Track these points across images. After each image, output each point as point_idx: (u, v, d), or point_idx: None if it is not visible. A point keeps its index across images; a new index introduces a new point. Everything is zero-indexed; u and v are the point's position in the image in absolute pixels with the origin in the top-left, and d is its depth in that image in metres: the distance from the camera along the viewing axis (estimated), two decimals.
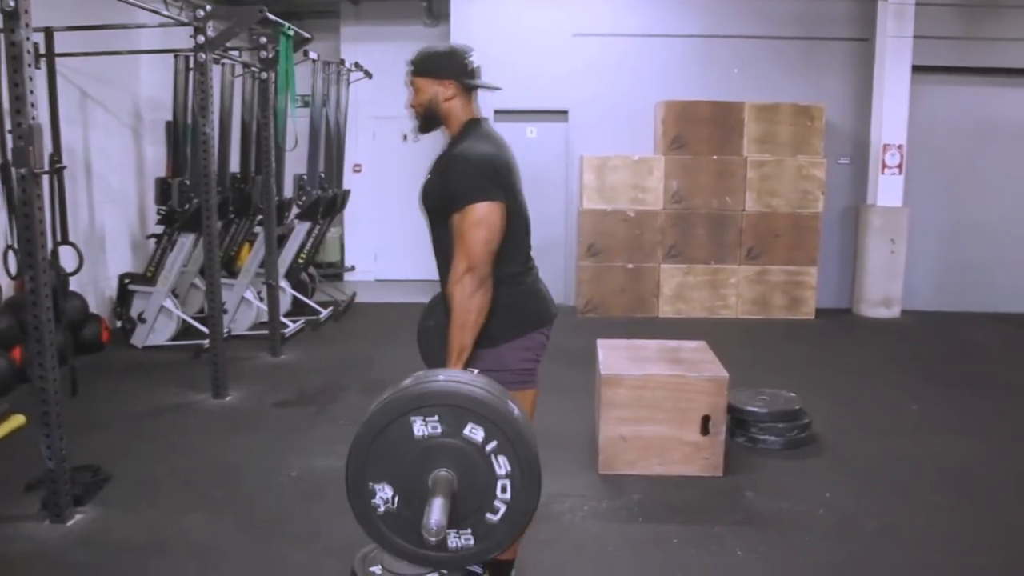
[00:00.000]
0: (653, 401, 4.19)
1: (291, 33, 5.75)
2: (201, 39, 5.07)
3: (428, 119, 2.67)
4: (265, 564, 3.31)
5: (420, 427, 1.88)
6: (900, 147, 8.35)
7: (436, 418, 1.87)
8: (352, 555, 3.18)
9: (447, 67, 2.62)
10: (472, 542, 1.96)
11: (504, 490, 1.89)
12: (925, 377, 6.31)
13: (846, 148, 8.75)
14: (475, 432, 1.87)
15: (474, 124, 2.63)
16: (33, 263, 3.54)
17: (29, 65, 3.44)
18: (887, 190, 8.42)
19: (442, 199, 2.53)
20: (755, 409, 4.72)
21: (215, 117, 7.45)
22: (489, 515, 1.91)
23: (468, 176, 2.47)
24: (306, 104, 8.38)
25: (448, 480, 1.86)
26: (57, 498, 3.65)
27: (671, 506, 3.91)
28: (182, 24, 5.23)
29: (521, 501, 1.90)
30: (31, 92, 3.45)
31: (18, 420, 4.76)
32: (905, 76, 8.26)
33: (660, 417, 4.19)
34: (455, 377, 2.02)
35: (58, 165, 3.24)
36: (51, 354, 3.62)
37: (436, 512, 1.76)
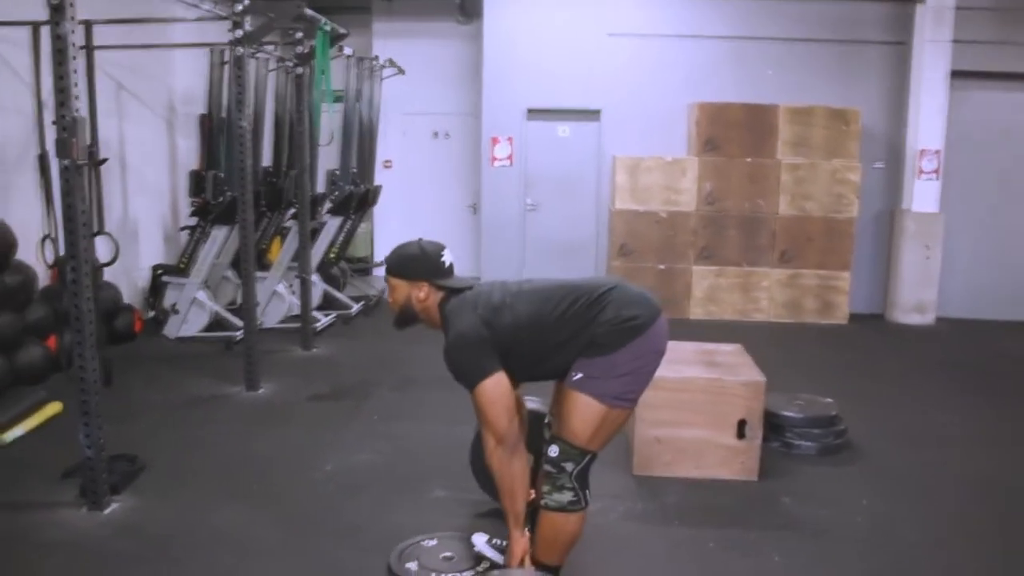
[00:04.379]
0: (690, 404, 4.15)
1: (328, 29, 5.76)
2: (239, 33, 5.09)
3: (404, 316, 2.91)
4: (301, 559, 3.31)
5: None
6: (937, 152, 8.24)
7: None
8: (389, 551, 3.19)
9: (418, 270, 2.83)
10: None
11: None
12: (960, 386, 6.22)
13: (881, 152, 8.65)
14: None
15: (444, 306, 2.81)
16: (75, 253, 3.56)
17: (74, 58, 3.46)
18: (923, 195, 8.32)
19: (459, 381, 2.76)
20: (791, 414, 4.67)
21: (249, 111, 7.53)
22: None
23: (460, 365, 2.70)
24: (340, 100, 8.40)
25: None
26: (95, 486, 3.67)
27: (707, 510, 3.87)
28: (220, 18, 5.24)
29: None
30: (75, 85, 3.47)
31: (55, 407, 4.80)
32: (943, 81, 8.15)
33: (696, 420, 4.16)
34: None
35: (101, 158, 3.25)
36: (91, 343, 3.65)
37: None
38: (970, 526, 3.82)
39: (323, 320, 7.35)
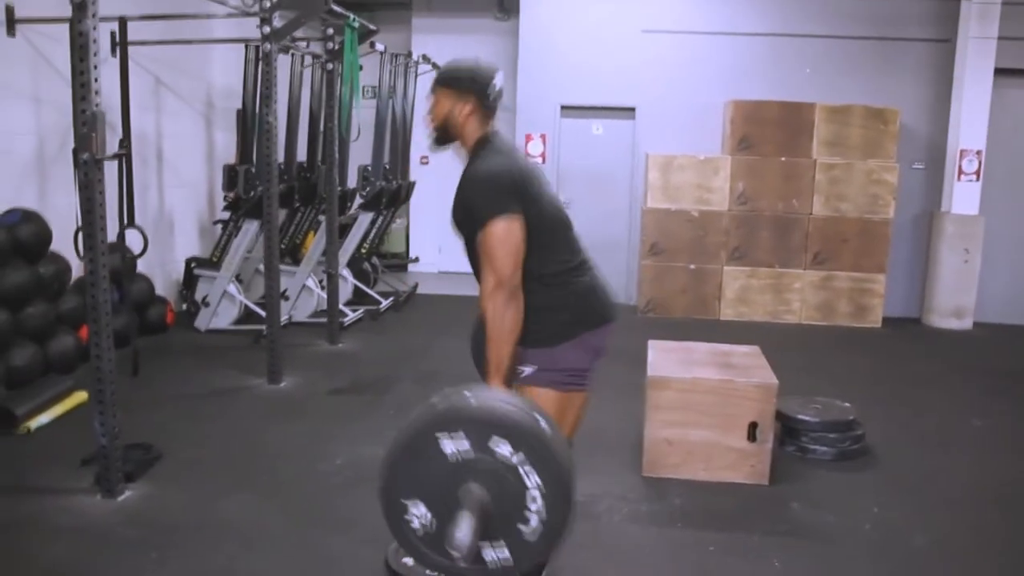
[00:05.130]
0: (700, 405, 4.12)
1: (356, 25, 5.82)
2: (267, 29, 5.17)
3: (443, 132, 2.69)
4: (302, 549, 3.36)
5: (447, 444, 1.89)
6: (979, 153, 8.05)
7: (462, 434, 1.88)
8: (388, 545, 3.22)
9: (469, 83, 2.64)
10: (508, 554, 1.96)
11: (535, 502, 1.89)
12: (993, 392, 6.08)
13: (920, 153, 8.47)
14: (502, 447, 1.87)
15: (487, 140, 2.65)
16: (93, 245, 3.65)
17: (95, 54, 3.55)
18: (963, 197, 8.13)
19: (466, 218, 2.56)
20: (806, 418, 4.60)
21: (283, 106, 7.62)
22: (523, 527, 1.91)
23: (484, 193, 2.51)
24: (375, 95, 8.47)
25: (478, 495, 1.88)
26: (108, 474, 3.76)
27: (712, 512, 3.84)
28: (248, 15, 5.33)
29: (553, 514, 1.90)
30: (95, 80, 3.56)
31: (80, 396, 4.92)
32: (987, 79, 7.95)
33: (706, 422, 4.13)
34: (482, 394, 2.04)
35: (120, 151, 3.33)
36: (108, 334, 3.74)
37: (462, 528, 1.78)
38: (985, 536, 3.74)
39: (351, 315, 7.42)
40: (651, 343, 4.74)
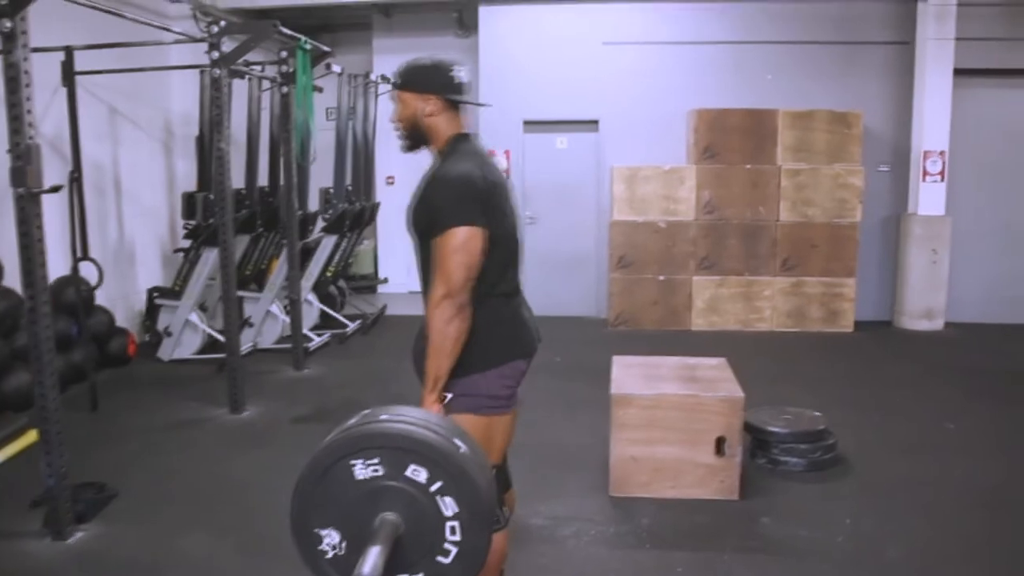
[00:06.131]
0: (665, 421, 4.05)
1: (308, 47, 5.74)
2: (215, 55, 5.08)
3: (411, 135, 2.57)
4: None
5: (361, 470, 1.79)
6: (942, 153, 8.07)
7: (377, 460, 1.78)
8: None
9: (430, 81, 2.52)
10: None
11: (453, 532, 1.79)
12: (966, 393, 6.05)
13: (885, 155, 8.48)
14: (418, 474, 1.77)
15: (459, 141, 2.53)
16: (32, 282, 3.54)
17: (27, 86, 3.45)
18: (928, 198, 8.14)
19: (426, 221, 2.45)
20: (776, 429, 4.53)
21: (242, 131, 7.53)
22: (440, 558, 1.82)
23: (448, 199, 2.39)
24: (336, 117, 8.39)
25: (392, 524, 1.77)
26: (57, 515, 3.65)
27: (681, 531, 3.76)
28: (195, 40, 5.24)
29: (471, 542, 1.80)
30: (28, 112, 3.45)
31: (33, 436, 4.77)
32: (947, 79, 7.98)
33: (673, 438, 4.05)
34: (399, 416, 1.93)
35: (52, 186, 3.21)
36: (51, 371, 3.62)
37: (369, 561, 1.68)
38: (965, 544, 3.68)
39: (316, 340, 7.32)
40: (615, 359, 4.66)
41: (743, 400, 4.03)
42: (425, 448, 1.78)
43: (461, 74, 2.55)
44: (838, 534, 3.74)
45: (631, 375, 4.38)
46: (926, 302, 8.21)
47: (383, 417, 1.86)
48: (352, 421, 1.89)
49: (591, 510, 3.97)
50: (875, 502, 4.10)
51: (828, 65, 8.42)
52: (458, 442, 1.83)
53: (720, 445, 4.03)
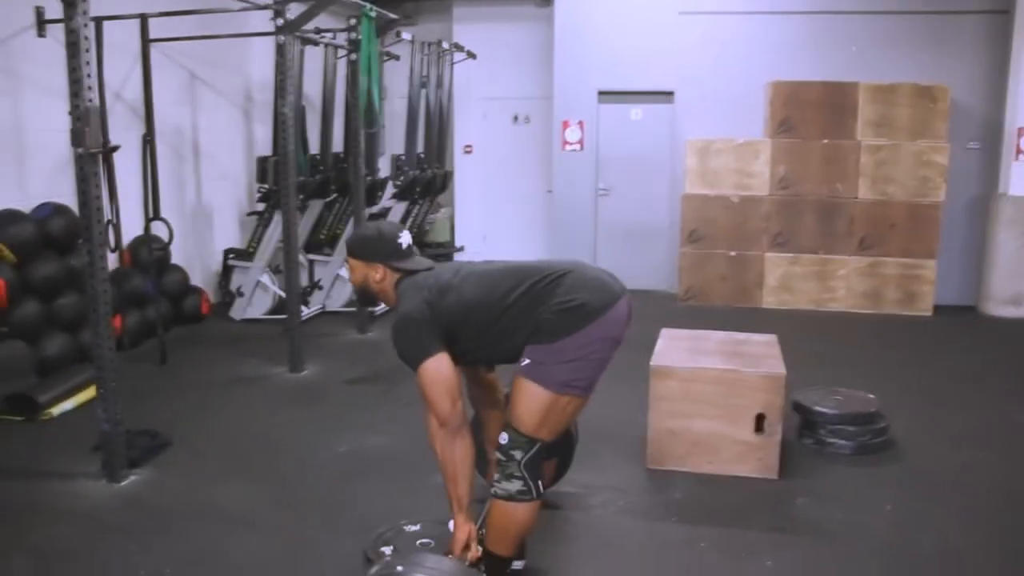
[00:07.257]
0: (703, 396, 4.00)
1: (372, 14, 5.80)
2: (280, 22, 5.19)
3: (363, 294, 2.98)
4: (284, 536, 3.37)
5: None
6: None
7: None
8: (369, 536, 3.20)
9: (374, 251, 2.86)
10: None
11: None
12: None
13: (976, 132, 8.08)
14: None
15: (401, 287, 2.82)
16: (90, 236, 3.71)
17: (87, 50, 3.60)
18: (1021, 178, 7.72)
19: (404, 362, 2.74)
20: (824, 410, 4.42)
21: (317, 97, 7.68)
22: None
23: (402, 345, 2.70)
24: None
25: None
26: (112, 460, 3.85)
27: (713, 507, 3.72)
28: (259, 8, 5.36)
29: None
30: (88, 76, 3.61)
31: None
32: None
33: (711, 413, 4.00)
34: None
35: (112, 146, 3.38)
36: (106, 323, 3.80)
37: None
38: (1005, 546, 3.48)
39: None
40: (663, 331, 4.62)
41: (783, 377, 3.95)
42: None
43: (405, 240, 2.87)
44: (874, 520, 3.62)
45: (675, 348, 4.34)
46: (1014, 287, 7.82)
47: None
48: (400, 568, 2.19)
49: (625, 481, 3.96)
50: (921, 491, 3.95)
51: (913, 36, 8.05)
52: None
53: (760, 422, 3.97)
